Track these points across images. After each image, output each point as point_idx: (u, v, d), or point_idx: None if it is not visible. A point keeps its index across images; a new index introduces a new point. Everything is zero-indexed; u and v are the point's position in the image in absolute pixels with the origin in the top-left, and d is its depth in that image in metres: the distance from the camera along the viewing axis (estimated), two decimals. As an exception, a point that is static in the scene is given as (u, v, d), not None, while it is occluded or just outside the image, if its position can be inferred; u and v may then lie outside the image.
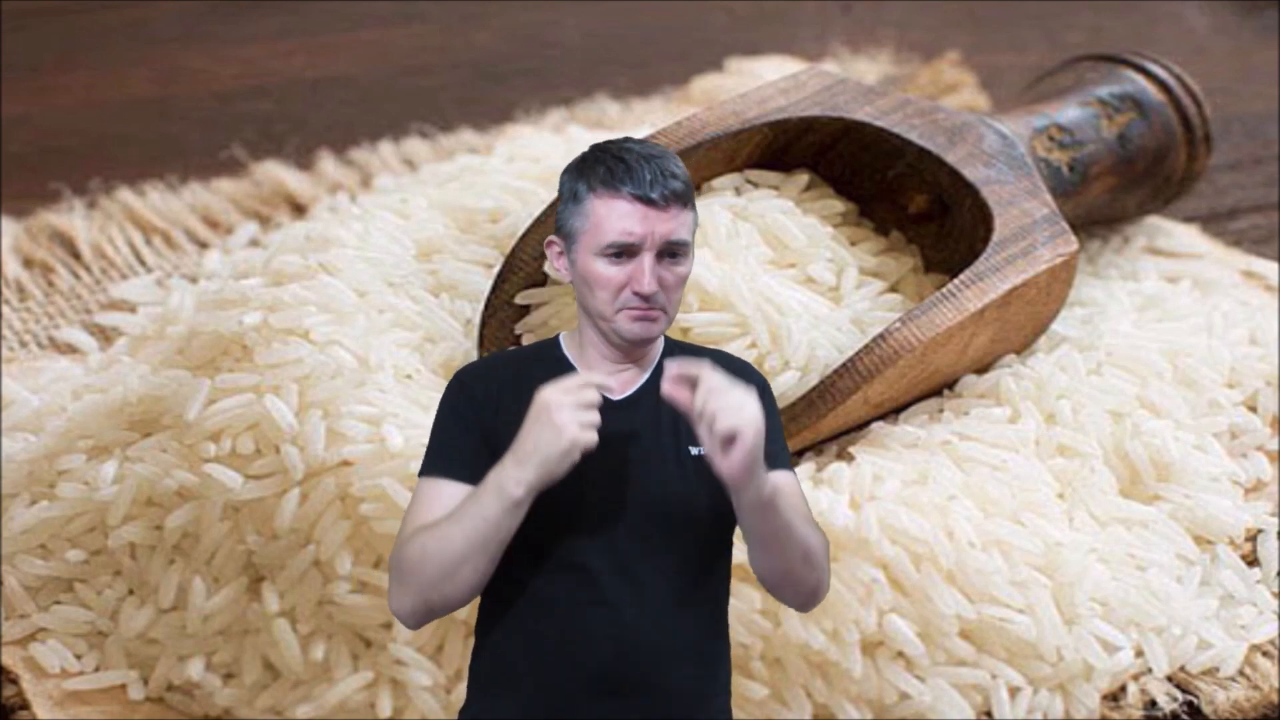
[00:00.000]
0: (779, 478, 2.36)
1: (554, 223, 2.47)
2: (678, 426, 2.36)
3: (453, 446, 2.36)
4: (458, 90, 4.47)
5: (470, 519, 2.27)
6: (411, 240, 3.19)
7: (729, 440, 2.23)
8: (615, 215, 2.33)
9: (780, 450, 2.42)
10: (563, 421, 2.23)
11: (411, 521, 2.34)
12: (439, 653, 2.81)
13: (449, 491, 2.34)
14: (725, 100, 3.16)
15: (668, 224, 2.34)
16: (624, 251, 2.33)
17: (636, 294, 2.33)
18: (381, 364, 2.94)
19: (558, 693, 2.33)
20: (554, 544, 2.33)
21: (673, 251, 2.35)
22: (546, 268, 2.99)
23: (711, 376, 2.25)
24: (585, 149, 2.41)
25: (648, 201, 2.33)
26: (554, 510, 2.31)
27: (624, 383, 2.39)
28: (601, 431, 2.29)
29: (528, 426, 2.26)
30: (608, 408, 2.34)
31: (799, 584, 2.35)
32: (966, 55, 4.46)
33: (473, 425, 2.36)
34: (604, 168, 2.34)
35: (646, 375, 2.40)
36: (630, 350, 2.38)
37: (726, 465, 2.24)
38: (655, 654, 2.33)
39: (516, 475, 2.25)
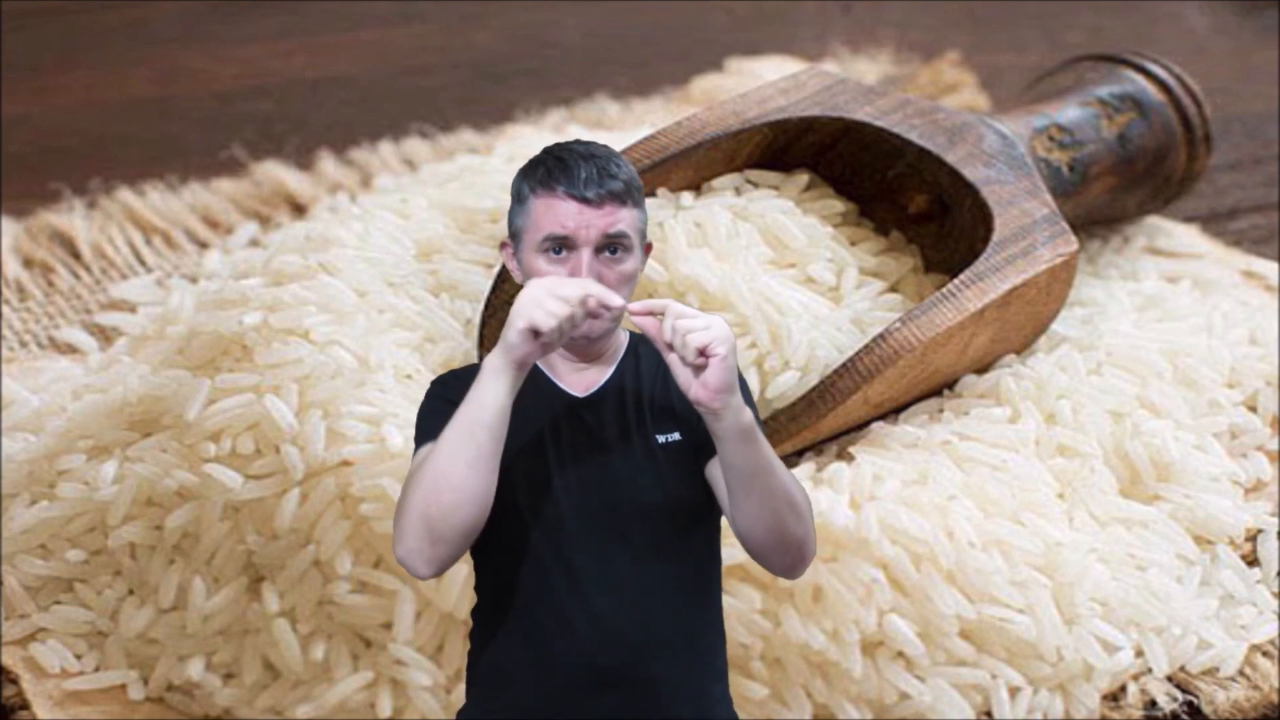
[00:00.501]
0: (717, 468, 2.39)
1: None
2: (643, 418, 2.38)
3: (440, 418, 2.35)
4: (458, 90, 4.47)
5: (457, 415, 2.29)
6: (411, 240, 3.19)
7: (701, 358, 2.25)
8: (551, 212, 2.36)
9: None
10: (523, 299, 2.27)
11: (403, 491, 2.34)
12: (439, 653, 2.81)
13: None
14: (725, 100, 3.16)
15: (603, 219, 2.36)
16: (562, 247, 2.35)
17: None
18: (381, 364, 2.94)
19: (553, 691, 2.34)
20: (538, 546, 2.34)
21: (613, 247, 2.37)
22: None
23: (676, 305, 2.28)
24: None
25: (582, 200, 2.35)
26: (536, 511, 2.33)
27: (588, 381, 2.40)
28: (571, 430, 2.35)
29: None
30: (574, 406, 2.37)
31: (786, 536, 2.33)
32: (966, 55, 4.46)
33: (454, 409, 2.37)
34: (544, 169, 2.38)
35: (610, 372, 2.41)
36: (583, 349, 2.40)
37: (702, 386, 2.26)
38: (646, 647, 2.35)
39: (496, 350, 2.29)
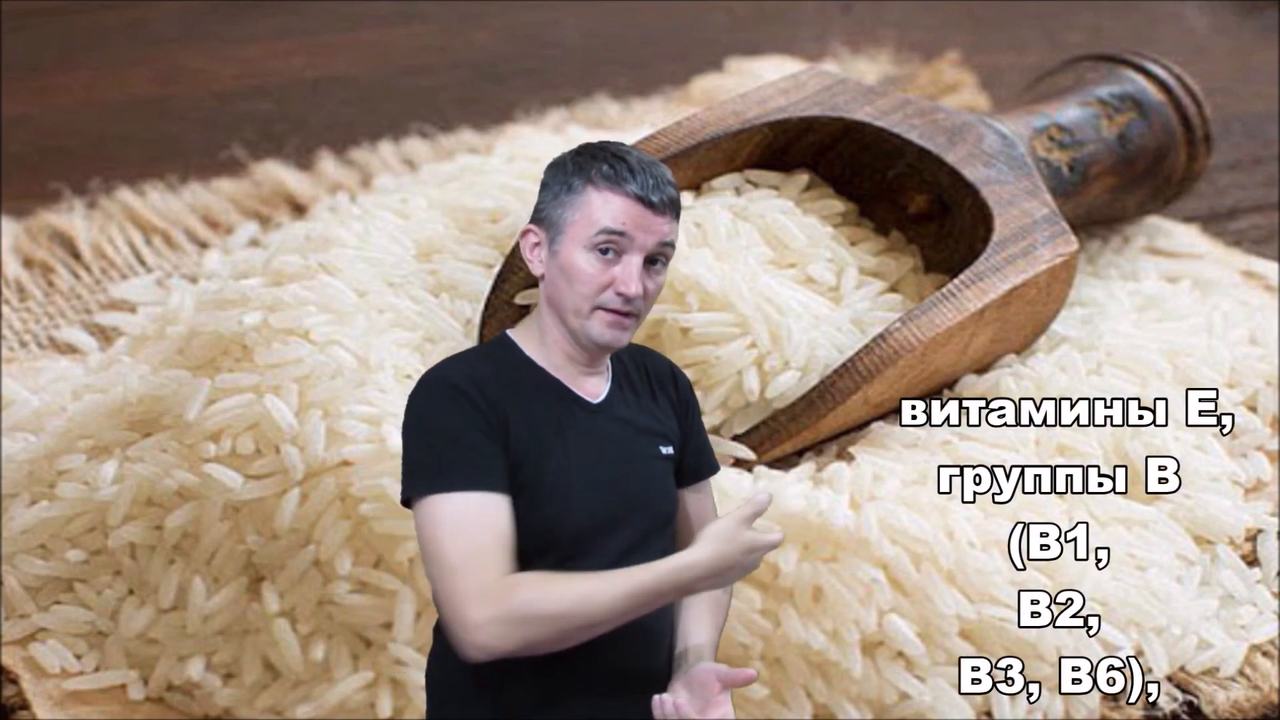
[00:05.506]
0: (691, 494, 2.47)
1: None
2: (648, 428, 2.41)
3: (479, 455, 2.30)
4: (458, 90, 4.47)
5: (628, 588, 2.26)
6: (411, 240, 3.19)
7: None
8: (611, 208, 2.34)
9: (694, 454, 2.47)
10: (729, 557, 2.27)
11: (457, 548, 2.25)
12: (439, 653, 2.81)
13: (494, 505, 2.28)
14: (725, 100, 3.16)
15: (661, 227, 2.35)
16: (612, 247, 2.34)
17: (620, 294, 2.34)
18: (381, 364, 2.94)
19: (570, 691, 2.35)
20: (557, 549, 2.33)
21: (655, 258, 2.36)
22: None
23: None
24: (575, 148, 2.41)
25: (647, 203, 2.34)
26: (563, 517, 2.33)
27: (594, 388, 2.40)
28: (594, 435, 2.35)
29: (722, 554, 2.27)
30: (589, 411, 2.37)
31: None
32: (966, 55, 4.46)
33: (488, 433, 2.31)
34: (606, 164, 2.35)
35: (609, 378, 2.42)
36: (595, 355, 2.39)
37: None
38: (658, 646, 2.39)
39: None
